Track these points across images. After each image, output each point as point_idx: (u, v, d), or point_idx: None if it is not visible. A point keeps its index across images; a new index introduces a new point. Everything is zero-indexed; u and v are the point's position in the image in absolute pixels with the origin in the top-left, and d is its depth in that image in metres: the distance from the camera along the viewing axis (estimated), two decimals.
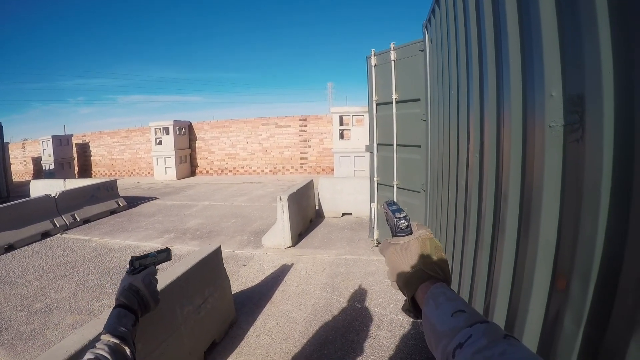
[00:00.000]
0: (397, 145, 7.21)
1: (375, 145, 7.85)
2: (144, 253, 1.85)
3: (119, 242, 9.65)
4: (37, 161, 27.25)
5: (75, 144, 27.19)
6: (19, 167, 30.23)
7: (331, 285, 6.47)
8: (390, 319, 5.31)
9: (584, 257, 1.53)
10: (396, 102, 7.12)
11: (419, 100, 6.53)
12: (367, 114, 16.78)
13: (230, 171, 23.46)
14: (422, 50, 6.21)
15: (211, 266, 4.92)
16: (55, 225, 10.79)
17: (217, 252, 5.12)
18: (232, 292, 5.66)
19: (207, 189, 18.17)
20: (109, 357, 1.36)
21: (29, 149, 29.82)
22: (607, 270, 1.40)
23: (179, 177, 22.46)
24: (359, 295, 6.01)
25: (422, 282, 1.00)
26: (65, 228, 11.04)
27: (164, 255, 1.94)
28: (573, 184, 1.64)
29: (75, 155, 26.81)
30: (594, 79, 1.40)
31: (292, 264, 7.44)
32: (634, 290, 1.21)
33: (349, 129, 17.31)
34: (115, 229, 11.04)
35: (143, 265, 1.85)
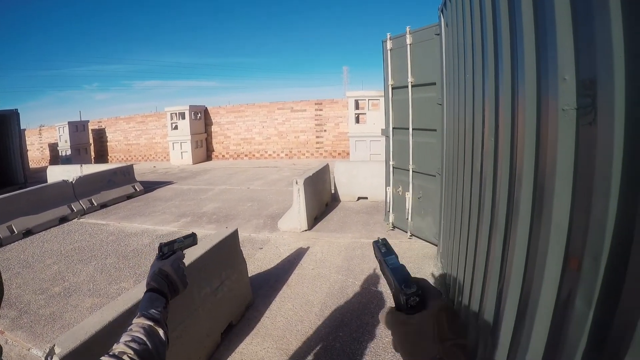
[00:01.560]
0: (412, 129, 7.21)
1: (391, 129, 7.85)
2: (171, 240, 1.92)
3: (136, 226, 9.81)
4: (53, 147, 27.51)
5: (92, 129, 27.40)
6: (36, 154, 30.58)
7: (347, 268, 6.53)
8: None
9: (595, 239, 1.55)
10: (412, 86, 7.11)
11: (434, 84, 6.52)
12: (383, 98, 16.67)
13: (246, 155, 23.53)
14: (438, 34, 6.18)
15: (228, 249, 5.02)
16: (72, 210, 11.00)
17: (234, 235, 5.21)
18: (249, 275, 5.75)
19: (223, 173, 18.31)
20: (144, 338, 1.41)
21: (45, 135, 30.12)
22: (618, 251, 1.42)
23: (195, 162, 22.59)
24: (374, 279, 6.05)
25: None
26: (83, 213, 11.25)
27: (190, 240, 2.01)
28: (585, 167, 1.65)
29: (91, 140, 27.06)
30: (605, 63, 1.41)
31: (308, 247, 7.52)
32: None
33: (365, 113, 17.29)
34: (132, 213, 11.23)
35: (171, 251, 1.91)
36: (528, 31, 2.15)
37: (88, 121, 27.03)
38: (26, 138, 26.71)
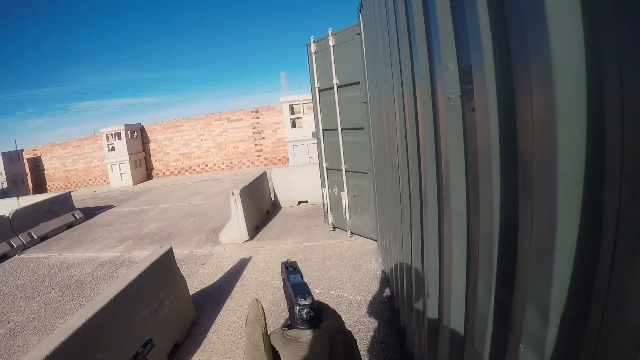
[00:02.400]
0: (341, 129, 7.26)
1: (321, 131, 7.88)
2: (133, 355, 1.86)
3: (78, 255, 9.41)
4: None
5: (27, 158, 26.00)
6: None
7: None
8: (348, 300, 5.39)
9: (486, 224, 1.57)
10: (337, 87, 7.16)
11: (359, 83, 6.61)
12: None
13: (186, 171, 23.10)
14: (358, 34, 6.26)
15: (164, 268, 4.89)
16: (12, 246, 10.38)
17: (169, 254, 5.08)
18: (193, 292, 5.68)
19: (164, 191, 17.88)
20: None
21: None
22: (506, 236, 1.44)
23: (136, 182, 21.98)
24: (317, 281, 6.06)
25: None
26: (23, 248, 10.64)
27: (149, 346, 1.96)
28: (473, 153, 1.67)
29: (27, 170, 25.73)
30: (477, 51, 1.43)
31: (250, 257, 7.43)
32: (533, 256, 1.22)
33: (301, 117, 17.28)
34: (73, 242, 10.76)
35: None
36: (419, 23, 2.18)
37: (22, 150, 25.44)
38: None
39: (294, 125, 17.40)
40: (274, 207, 11.02)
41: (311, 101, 16.88)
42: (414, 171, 2.72)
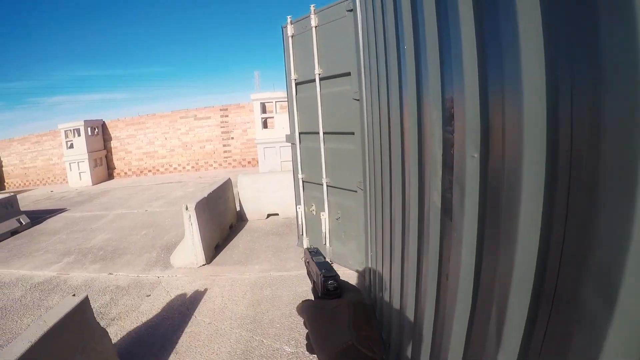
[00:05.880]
0: (324, 133, 5.86)
1: (297, 134, 6.45)
2: None
3: (11, 272, 7.86)
4: None
5: None
6: None
7: (252, 318, 5.10)
8: None
9: None
10: (320, 79, 5.78)
11: (349, 74, 5.26)
12: None
13: (149, 171, 21.46)
14: (351, 10, 4.91)
15: (77, 325, 3.45)
16: None
17: (83, 306, 3.62)
18: (126, 341, 4.68)
19: (122, 193, 16.24)
20: None
21: None
22: None
23: (95, 182, 20.25)
24: (288, 333, 4.70)
25: None
26: None
27: None
28: None
29: None
30: None
31: (205, 290, 5.99)
32: None
33: (273, 117, 15.69)
34: (11, 254, 9.16)
35: None
36: None
37: None
38: None
39: (265, 125, 15.84)
40: (240, 220, 9.53)
41: (285, 99, 15.55)
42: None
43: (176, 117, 20.85)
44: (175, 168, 21.21)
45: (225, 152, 20.28)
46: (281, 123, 15.28)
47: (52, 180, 23.28)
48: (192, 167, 20.89)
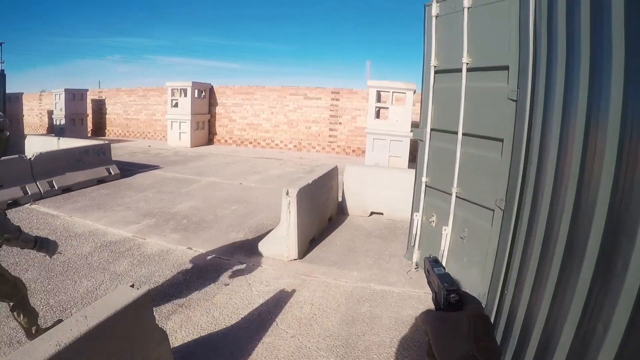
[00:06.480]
0: (463, 134, 4.82)
1: (428, 130, 5.44)
2: None
3: (87, 223, 7.61)
4: (51, 114, 25.26)
5: (91, 99, 25.20)
6: (34, 120, 28.36)
7: (345, 340, 4.24)
8: None
9: None
10: (468, 70, 4.73)
11: (506, 68, 4.19)
12: (408, 92, 14.28)
13: (250, 143, 21.25)
14: None
15: (127, 329, 2.71)
16: (26, 192, 8.94)
17: (143, 301, 2.85)
18: (196, 332, 4.20)
19: (219, 161, 16.03)
20: None
21: (45, 102, 27.75)
22: None
23: (194, 145, 20.32)
24: None
25: None
26: (39, 197, 9.14)
27: None
28: None
29: (90, 111, 24.84)
30: None
31: (293, 291, 5.20)
32: None
33: (387, 108, 14.65)
34: (93, 203, 9.00)
35: None
36: None
37: (87, 90, 24.39)
38: (25, 103, 24.42)
39: (377, 115, 14.90)
40: (340, 213, 8.69)
41: (402, 91, 14.60)
42: None
43: (286, 92, 20.41)
44: (277, 144, 20.83)
45: (330, 136, 19.58)
46: (395, 115, 14.34)
47: (151, 136, 23.86)
48: (295, 146, 20.40)
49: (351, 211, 8.75)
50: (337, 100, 19.25)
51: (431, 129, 5.39)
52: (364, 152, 16.21)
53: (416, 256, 5.85)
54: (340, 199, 8.86)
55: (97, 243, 6.58)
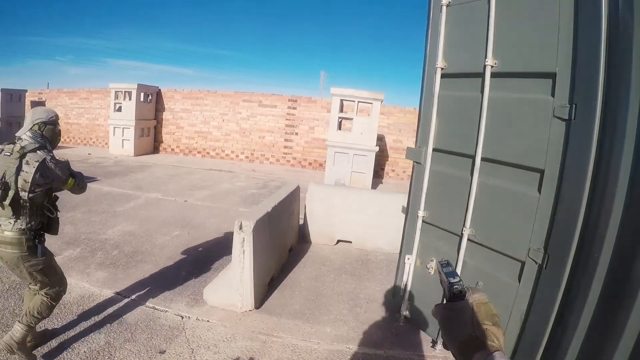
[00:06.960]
0: (482, 159, 3.64)
1: (429, 149, 4.22)
2: None
3: None
4: None
5: (30, 101, 22.88)
6: None
7: None
8: None
9: None
10: (492, 76, 3.56)
11: (552, 75, 3.08)
12: (375, 103, 13.09)
13: (199, 152, 19.68)
14: None
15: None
16: None
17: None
18: None
19: (163, 172, 14.42)
20: None
21: None
22: None
23: (138, 154, 18.53)
24: None
25: (476, 350, 0.95)
26: None
27: None
28: None
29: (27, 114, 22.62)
30: None
31: None
32: None
33: (351, 119, 13.45)
34: None
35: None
36: None
37: (26, 91, 21.85)
38: None
39: (340, 126, 13.72)
40: (301, 240, 7.39)
41: (368, 101, 13.26)
42: None
43: (239, 99, 18.97)
44: (227, 155, 19.34)
45: (285, 147, 18.28)
46: (359, 127, 13.20)
47: (94, 142, 21.83)
48: (247, 157, 18.97)
49: (314, 238, 7.45)
50: (294, 108, 18.00)
51: (433, 149, 4.17)
52: (321, 165, 15.02)
53: (407, 308, 4.61)
54: (301, 221, 7.56)
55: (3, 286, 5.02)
